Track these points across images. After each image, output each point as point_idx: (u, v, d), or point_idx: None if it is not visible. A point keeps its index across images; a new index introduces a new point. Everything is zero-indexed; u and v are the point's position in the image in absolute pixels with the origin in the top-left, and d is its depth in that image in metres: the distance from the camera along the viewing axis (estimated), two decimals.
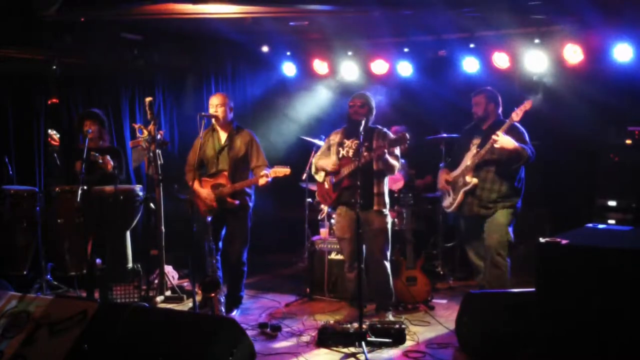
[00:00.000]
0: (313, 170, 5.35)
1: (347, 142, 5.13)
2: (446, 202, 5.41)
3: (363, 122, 4.83)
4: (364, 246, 5.05)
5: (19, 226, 5.71)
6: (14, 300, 3.91)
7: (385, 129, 5.17)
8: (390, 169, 5.04)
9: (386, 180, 5.16)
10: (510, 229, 5.09)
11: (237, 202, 5.25)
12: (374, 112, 5.16)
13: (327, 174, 5.21)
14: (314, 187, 6.68)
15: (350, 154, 5.05)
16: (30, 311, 3.78)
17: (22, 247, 5.76)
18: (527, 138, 5.08)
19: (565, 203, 6.55)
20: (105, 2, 5.42)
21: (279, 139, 7.65)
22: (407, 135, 4.78)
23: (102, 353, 3.45)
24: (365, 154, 4.90)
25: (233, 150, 5.32)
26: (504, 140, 4.87)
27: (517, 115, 4.93)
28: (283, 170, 5.16)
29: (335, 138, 5.26)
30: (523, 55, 6.42)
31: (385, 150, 4.87)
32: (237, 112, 5.54)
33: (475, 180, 5.13)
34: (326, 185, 5.23)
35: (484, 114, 5.22)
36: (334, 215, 6.40)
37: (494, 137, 4.90)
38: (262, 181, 5.13)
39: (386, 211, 5.11)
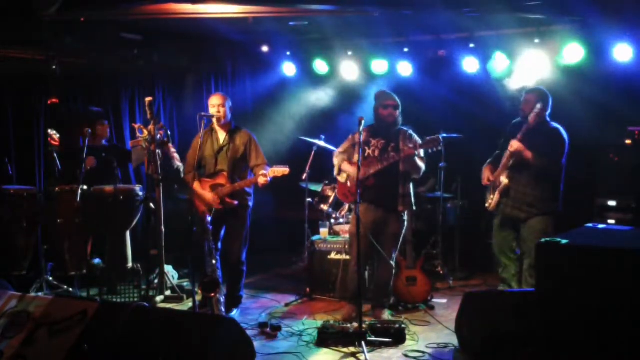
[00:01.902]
0: (336, 171, 5.34)
1: (373, 142, 5.11)
2: (487, 201, 5.38)
3: (363, 122, 4.82)
4: (375, 244, 5.05)
5: (19, 226, 5.71)
6: (14, 300, 3.91)
7: (410, 131, 5.16)
8: (417, 171, 5.05)
9: (412, 181, 5.16)
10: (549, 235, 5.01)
11: (236, 202, 5.26)
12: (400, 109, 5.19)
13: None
14: (314, 187, 6.69)
15: (376, 153, 5.05)
16: (30, 311, 3.77)
17: (22, 247, 5.76)
18: (561, 150, 5.04)
19: (565, 203, 6.55)
20: (105, 2, 5.41)
21: (279, 139, 7.65)
22: (440, 138, 4.81)
23: (102, 353, 3.45)
24: (392, 154, 4.93)
25: (232, 150, 5.33)
26: (517, 147, 4.97)
27: (532, 118, 5.03)
28: (282, 170, 5.16)
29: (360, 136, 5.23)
30: (523, 55, 6.43)
31: (416, 152, 4.89)
32: (237, 112, 5.55)
33: (505, 181, 5.13)
34: (348, 184, 5.22)
35: (530, 113, 5.14)
36: (334, 215, 6.44)
37: (511, 143, 5.02)
38: (261, 180, 5.12)
39: (406, 215, 5.12)
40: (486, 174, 5.37)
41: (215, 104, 5.30)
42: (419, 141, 5.10)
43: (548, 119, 5.20)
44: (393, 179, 5.02)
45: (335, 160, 5.33)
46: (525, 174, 5.09)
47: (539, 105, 5.04)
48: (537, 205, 5.07)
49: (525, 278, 5.18)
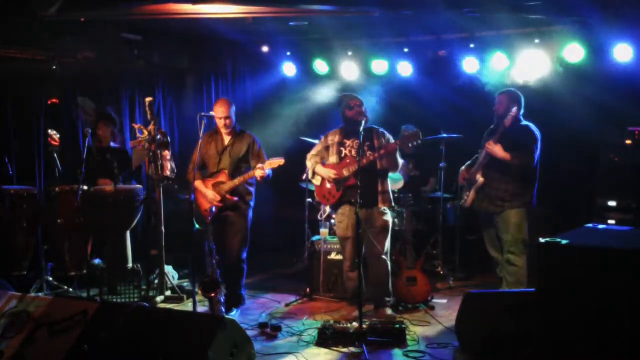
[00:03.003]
0: (310, 174, 5.37)
1: (348, 142, 5.16)
2: (463, 198, 5.57)
3: (363, 122, 4.85)
4: (366, 241, 5.08)
5: (19, 226, 5.71)
6: (14, 300, 3.92)
7: (381, 129, 5.22)
8: (395, 167, 5.13)
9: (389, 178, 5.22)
10: (524, 227, 5.21)
11: (235, 198, 5.29)
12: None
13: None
14: (314, 188, 6.68)
15: (353, 153, 5.06)
16: (30, 311, 3.78)
17: (22, 247, 5.76)
18: (533, 144, 5.17)
19: (565, 203, 6.55)
20: (105, 2, 5.42)
21: (278, 139, 7.64)
22: (420, 132, 4.86)
23: (102, 353, 3.45)
24: (368, 153, 4.94)
25: (234, 150, 5.40)
26: (492, 149, 5.16)
27: (508, 120, 5.18)
28: (277, 161, 5.23)
29: (334, 138, 5.27)
30: (523, 55, 6.43)
31: (397, 147, 4.93)
32: (238, 112, 5.58)
33: (481, 179, 5.31)
34: (328, 185, 5.23)
35: (504, 113, 5.27)
36: (334, 216, 6.43)
37: (486, 145, 5.19)
38: (258, 173, 5.18)
39: (387, 209, 5.15)
40: (462, 174, 5.56)
41: (222, 116, 5.36)
42: (391, 137, 5.14)
43: (520, 118, 5.32)
44: (372, 177, 5.08)
45: (308, 163, 5.39)
46: (498, 171, 5.25)
47: (514, 109, 5.20)
48: (509, 199, 5.23)
49: (505, 274, 5.31)
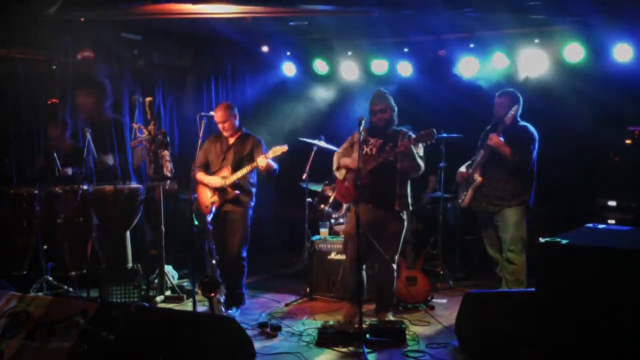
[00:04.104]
0: (334, 166, 5.32)
1: (372, 140, 5.07)
2: (461, 197, 5.59)
3: (363, 122, 4.80)
4: (374, 245, 5.01)
5: (19, 226, 5.71)
6: (14, 300, 3.92)
7: (410, 132, 5.12)
8: (416, 169, 4.96)
9: (409, 181, 5.10)
10: (523, 226, 5.24)
11: (237, 191, 5.31)
12: (396, 109, 5.13)
13: (348, 171, 5.18)
14: (314, 187, 6.69)
15: (374, 152, 5.03)
16: (30, 311, 3.78)
17: (22, 247, 5.76)
18: (531, 145, 5.19)
19: (565, 203, 6.55)
20: (105, 2, 5.42)
21: (278, 139, 7.62)
22: (434, 130, 4.79)
23: (102, 353, 3.45)
24: (388, 151, 4.91)
25: (238, 149, 5.46)
26: (495, 140, 5.16)
27: (508, 119, 5.19)
28: (281, 149, 5.26)
29: (359, 136, 5.22)
30: (523, 55, 6.43)
31: (412, 146, 4.85)
32: (238, 113, 5.58)
33: (479, 178, 5.32)
34: (346, 183, 5.20)
35: (504, 114, 5.27)
36: (334, 215, 6.43)
37: (490, 136, 5.19)
38: (261, 162, 5.21)
39: (404, 215, 5.08)
40: (461, 172, 5.60)
41: (219, 120, 5.43)
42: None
43: (518, 119, 5.33)
44: (390, 179, 4.98)
45: (335, 157, 5.35)
46: (497, 170, 5.27)
47: (515, 107, 5.22)
48: (507, 198, 5.26)
49: (504, 274, 5.33)
